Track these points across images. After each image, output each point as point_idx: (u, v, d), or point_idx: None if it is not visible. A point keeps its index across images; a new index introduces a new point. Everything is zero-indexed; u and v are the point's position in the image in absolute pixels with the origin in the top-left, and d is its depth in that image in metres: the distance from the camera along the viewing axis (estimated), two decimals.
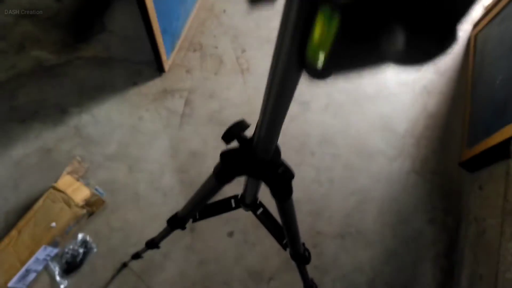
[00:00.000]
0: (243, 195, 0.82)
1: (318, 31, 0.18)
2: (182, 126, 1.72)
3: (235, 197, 0.87)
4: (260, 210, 0.86)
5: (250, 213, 1.58)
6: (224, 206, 0.86)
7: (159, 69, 1.79)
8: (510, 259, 1.32)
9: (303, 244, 0.85)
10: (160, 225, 1.54)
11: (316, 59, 0.19)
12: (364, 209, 1.64)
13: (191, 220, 0.81)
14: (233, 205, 0.85)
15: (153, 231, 1.52)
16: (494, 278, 1.32)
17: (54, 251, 1.41)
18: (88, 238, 1.48)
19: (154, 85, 1.80)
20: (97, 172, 1.59)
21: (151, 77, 1.81)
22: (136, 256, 1.35)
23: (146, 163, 1.64)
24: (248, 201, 0.76)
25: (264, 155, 0.49)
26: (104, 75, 1.81)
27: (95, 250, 1.46)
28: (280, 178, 0.53)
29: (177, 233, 1.53)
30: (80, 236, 1.47)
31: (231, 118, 1.66)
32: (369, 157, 1.74)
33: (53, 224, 1.36)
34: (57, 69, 1.80)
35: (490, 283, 1.33)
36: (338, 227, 1.60)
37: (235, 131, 0.49)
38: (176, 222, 0.87)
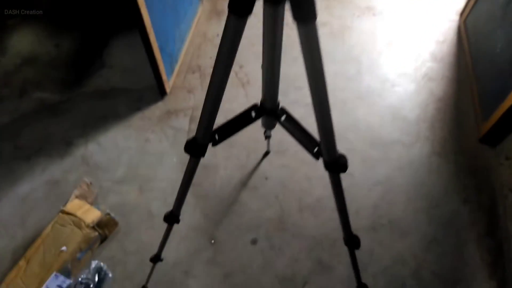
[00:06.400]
0: (262, 103, 0.75)
1: None
2: None
3: (254, 106, 0.80)
4: (284, 116, 0.79)
5: (272, 216, 1.48)
6: (245, 119, 0.78)
7: (161, 92, 1.80)
8: None
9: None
10: (177, 242, 1.45)
11: None
12: (391, 198, 1.54)
13: (210, 144, 0.72)
14: (254, 115, 0.78)
15: (170, 249, 1.42)
16: None
17: (66, 282, 1.29)
18: (102, 265, 1.36)
19: (157, 108, 1.79)
20: (107, 197, 1.52)
21: (153, 101, 1.81)
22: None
23: (156, 182, 1.57)
24: (269, 106, 0.70)
25: None
26: (107, 105, 1.81)
27: (110, 276, 1.34)
28: None
29: (196, 247, 1.43)
30: (93, 263, 1.36)
31: None
32: (385, 147, 1.67)
33: (64, 248, 1.27)
34: (60, 106, 1.81)
35: None
36: (368, 219, 1.49)
37: None
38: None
